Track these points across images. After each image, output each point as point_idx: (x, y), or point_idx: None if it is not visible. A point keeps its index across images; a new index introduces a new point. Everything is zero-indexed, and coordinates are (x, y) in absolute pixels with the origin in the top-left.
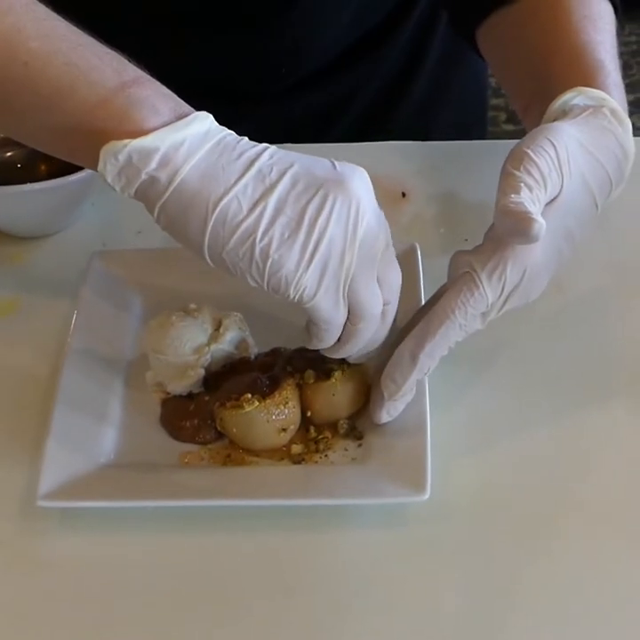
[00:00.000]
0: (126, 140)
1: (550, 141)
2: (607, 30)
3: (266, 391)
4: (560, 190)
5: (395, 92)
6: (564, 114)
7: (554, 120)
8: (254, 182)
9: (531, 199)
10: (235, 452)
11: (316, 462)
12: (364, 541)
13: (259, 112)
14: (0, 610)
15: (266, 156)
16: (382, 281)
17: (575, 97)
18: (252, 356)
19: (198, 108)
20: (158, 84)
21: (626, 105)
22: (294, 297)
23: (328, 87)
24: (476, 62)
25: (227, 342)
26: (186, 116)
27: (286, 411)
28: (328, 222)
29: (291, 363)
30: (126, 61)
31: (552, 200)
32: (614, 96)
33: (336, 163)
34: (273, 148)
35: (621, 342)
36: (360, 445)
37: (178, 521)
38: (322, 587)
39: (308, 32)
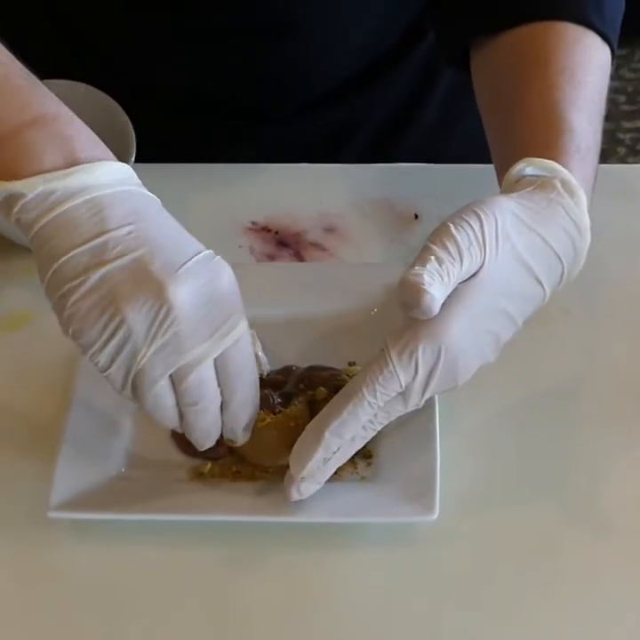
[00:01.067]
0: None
1: (476, 214)
2: (588, 82)
3: (277, 408)
4: (482, 265)
5: (403, 118)
6: (516, 185)
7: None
8: (93, 252)
9: (437, 272)
10: (245, 467)
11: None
12: (371, 560)
13: (266, 132)
14: (10, 620)
15: (124, 230)
16: (179, 384)
17: (525, 167)
18: (265, 374)
19: (206, 126)
20: (64, 123)
21: (592, 170)
22: (91, 364)
23: (336, 110)
24: None
25: None
26: (78, 164)
27: (297, 428)
28: (133, 317)
29: (302, 380)
30: (40, 92)
31: (473, 276)
32: (572, 164)
33: (199, 257)
34: (143, 223)
35: (627, 365)
36: (369, 464)
37: (186, 535)
38: (326, 604)
39: (312, 53)
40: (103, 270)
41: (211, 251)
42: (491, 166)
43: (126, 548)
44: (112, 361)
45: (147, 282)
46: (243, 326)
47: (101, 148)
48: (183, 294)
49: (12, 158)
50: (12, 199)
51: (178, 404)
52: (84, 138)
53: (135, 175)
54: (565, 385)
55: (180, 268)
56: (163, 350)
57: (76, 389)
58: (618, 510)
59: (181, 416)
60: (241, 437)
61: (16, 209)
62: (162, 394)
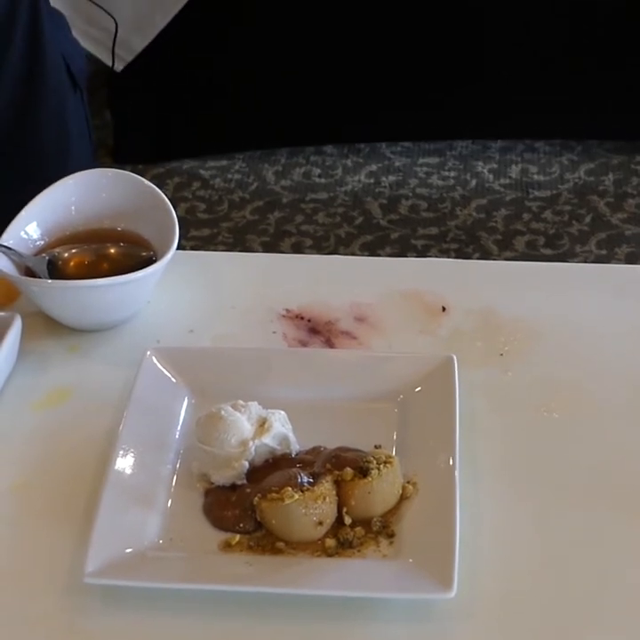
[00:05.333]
0: None
1: None
2: None
3: (305, 486)
4: None
5: None
6: None
7: None
8: None
9: None
10: (272, 542)
11: (349, 557)
12: (391, 634)
13: None
14: None
15: None
16: None
17: None
18: (294, 453)
19: None
20: None
21: None
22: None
23: None
24: None
25: (270, 438)
26: None
27: (324, 506)
28: None
29: (330, 460)
30: None
31: None
32: None
33: None
34: None
35: None
36: (391, 543)
37: (214, 604)
38: None
39: None
40: None
41: None
42: (514, 263)
43: (157, 614)
44: None
45: None
46: None
47: None
48: None
49: None
50: None
51: None
52: None
53: None
54: (587, 472)
55: None
56: None
57: (113, 463)
58: (636, 602)
59: None
60: None
61: None
62: None
